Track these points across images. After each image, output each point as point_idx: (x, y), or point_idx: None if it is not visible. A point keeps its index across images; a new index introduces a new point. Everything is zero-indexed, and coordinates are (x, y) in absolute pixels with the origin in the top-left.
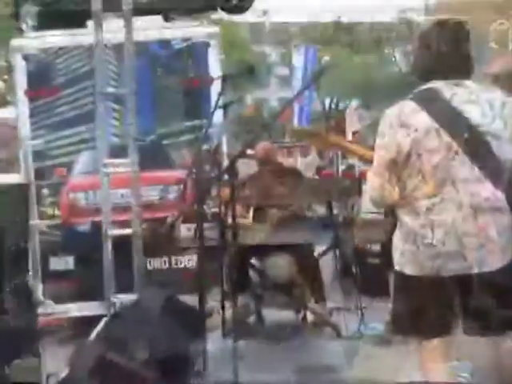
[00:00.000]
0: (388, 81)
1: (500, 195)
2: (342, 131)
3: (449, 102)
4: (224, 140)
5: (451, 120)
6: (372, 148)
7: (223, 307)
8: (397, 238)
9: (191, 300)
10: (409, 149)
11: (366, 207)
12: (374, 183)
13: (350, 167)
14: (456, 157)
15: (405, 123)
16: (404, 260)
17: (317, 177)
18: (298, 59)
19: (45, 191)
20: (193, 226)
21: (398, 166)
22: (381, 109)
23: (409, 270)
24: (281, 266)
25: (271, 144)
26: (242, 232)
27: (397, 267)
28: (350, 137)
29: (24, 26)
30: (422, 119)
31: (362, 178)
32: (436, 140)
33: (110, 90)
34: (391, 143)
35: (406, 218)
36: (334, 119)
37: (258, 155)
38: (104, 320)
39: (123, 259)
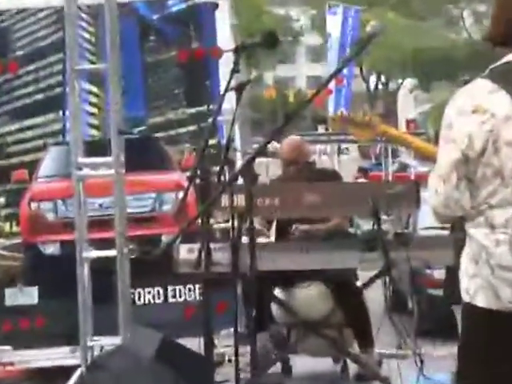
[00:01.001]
0: (454, 52)
1: None
2: (392, 119)
3: None
4: (237, 133)
5: None
6: (434, 142)
7: (237, 353)
8: (465, 260)
9: (194, 344)
10: (484, 142)
11: (426, 220)
12: (437, 189)
13: (404, 167)
14: None
15: (479, 108)
16: (475, 288)
17: (360, 180)
18: (333, 24)
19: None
20: (196, 246)
21: (470, 166)
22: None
23: (481, 302)
24: (312, 298)
25: (300, 138)
26: (261, 254)
27: (466, 298)
28: (403, 126)
29: None
30: (501, 102)
31: (419, 181)
32: None
33: (86, 65)
34: (461, 135)
35: (477, 232)
36: (383, 103)
37: (282, 153)
38: (79, 372)
39: (104, 290)
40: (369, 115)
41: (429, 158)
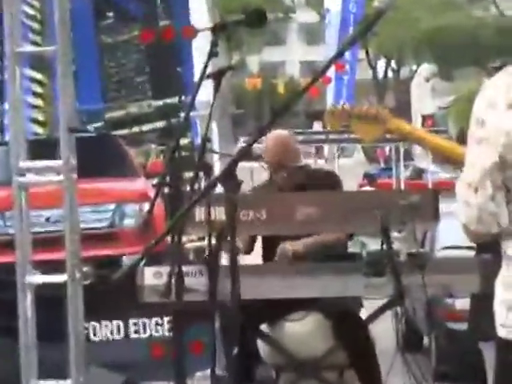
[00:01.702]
0: (481, 32)
1: None
2: (404, 114)
3: None
4: (215, 131)
5: None
6: (460, 141)
7: None
8: (501, 287)
9: None
10: None
11: (446, 238)
12: (469, 200)
13: (419, 173)
14: None
15: None
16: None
17: (365, 189)
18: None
19: None
20: (165, 269)
21: (508, 171)
22: (470, 79)
23: None
24: (307, 333)
25: (288, 133)
26: (244, 279)
27: (502, 333)
28: (418, 123)
29: None
30: None
31: (438, 190)
32: None
33: (29, 48)
34: (496, 133)
35: None
36: (393, 95)
37: (268, 153)
38: None
39: (51, 324)
40: (376, 107)
41: (452, 162)
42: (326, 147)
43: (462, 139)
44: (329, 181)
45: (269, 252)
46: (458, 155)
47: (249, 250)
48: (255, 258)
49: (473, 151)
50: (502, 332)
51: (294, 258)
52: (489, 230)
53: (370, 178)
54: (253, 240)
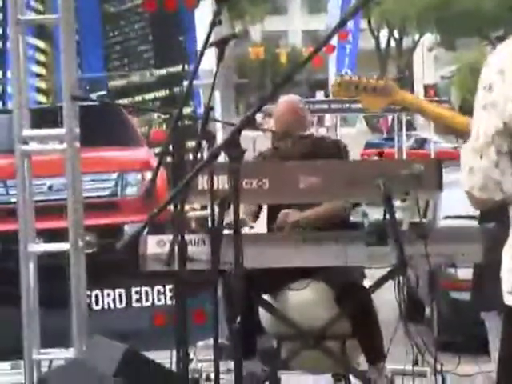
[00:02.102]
0: (484, 2)
1: None
2: (406, 84)
3: None
4: (218, 100)
5: None
6: (462, 111)
7: (217, 370)
8: (508, 254)
9: (165, 358)
10: None
11: (449, 208)
12: (473, 165)
13: (421, 143)
14: None
15: None
16: None
17: (370, 158)
18: None
19: None
20: (167, 238)
21: None
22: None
23: None
24: (310, 303)
25: (301, 100)
26: (247, 248)
27: (509, 301)
28: (421, 93)
29: None
30: None
31: (441, 159)
32: None
33: (32, 16)
34: (503, 100)
35: None
36: (395, 64)
37: (277, 120)
38: None
39: (54, 293)
40: (384, 79)
41: (453, 131)
42: (327, 116)
43: (464, 109)
44: (335, 149)
45: (273, 221)
46: (459, 123)
47: (254, 219)
48: (261, 227)
49: (478, 116)
50: (508, 299)
51: (292, 228)
52: (492, 197)
53: (374, 147)
54: (258, 209)
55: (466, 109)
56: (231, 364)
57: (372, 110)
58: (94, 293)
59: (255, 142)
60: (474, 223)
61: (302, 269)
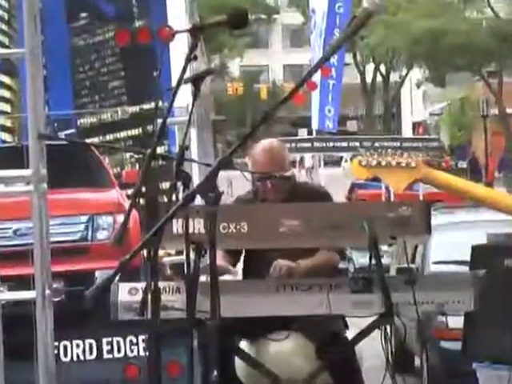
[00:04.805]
0: (475, 36)
1: None
2: (393, 121)
3: None
4: (194, 138)
5: None
6: (449, 153)
7: None
8: None
9: None
10: None
11: (439, 253)
12: None
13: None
14: None
15: None
16: None
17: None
18: None
19: None
20: (141, 285)
21: None
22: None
23: None
24: (289, 354)
25: (280, 142)
26: (225, 296)
27: None
28: (409, 131)
29: None
30: None
31: (428, 201)
32: None
33: None
34: None
35: None
36: (381, 101)
37: (256, 164)
38: None
39: (19, 343)
40: (407, 155)
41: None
42: (306, 157)
43: (454, 147)
44: (317, 193)
45: (251, 268)
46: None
47: (234, 264)
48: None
49: None
50: None
51: (288, 275)
52: None
53: (358, 188)
54: (238, 253)
55: (456, 147)
56: None
57: (399, 190)
58: (62, 343)
59: (231, 182)
60: (466, 269)
61: (281, 318)
